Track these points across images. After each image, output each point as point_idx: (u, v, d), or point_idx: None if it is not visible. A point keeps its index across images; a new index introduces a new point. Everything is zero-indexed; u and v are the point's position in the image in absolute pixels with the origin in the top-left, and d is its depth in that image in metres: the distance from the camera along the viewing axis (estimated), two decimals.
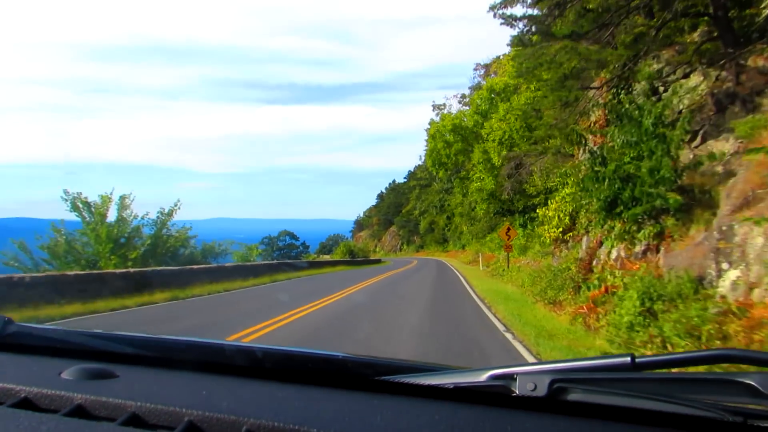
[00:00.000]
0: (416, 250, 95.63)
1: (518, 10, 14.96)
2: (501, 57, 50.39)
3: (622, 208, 11.08)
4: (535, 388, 1.13)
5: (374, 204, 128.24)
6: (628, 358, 1.16)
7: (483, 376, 1.21)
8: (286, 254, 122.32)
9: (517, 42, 15.44)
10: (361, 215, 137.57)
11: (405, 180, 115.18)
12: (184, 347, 1.60)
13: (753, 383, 1.03)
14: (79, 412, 1.11)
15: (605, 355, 1.43)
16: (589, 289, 12.09)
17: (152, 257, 24.41)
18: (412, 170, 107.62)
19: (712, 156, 10.05)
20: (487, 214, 41.90)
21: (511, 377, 1.18)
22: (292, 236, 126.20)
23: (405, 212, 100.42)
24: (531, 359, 7.87)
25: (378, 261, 66.30)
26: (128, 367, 1.40)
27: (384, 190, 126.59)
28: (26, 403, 1.15)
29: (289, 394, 1.26)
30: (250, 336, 9.33)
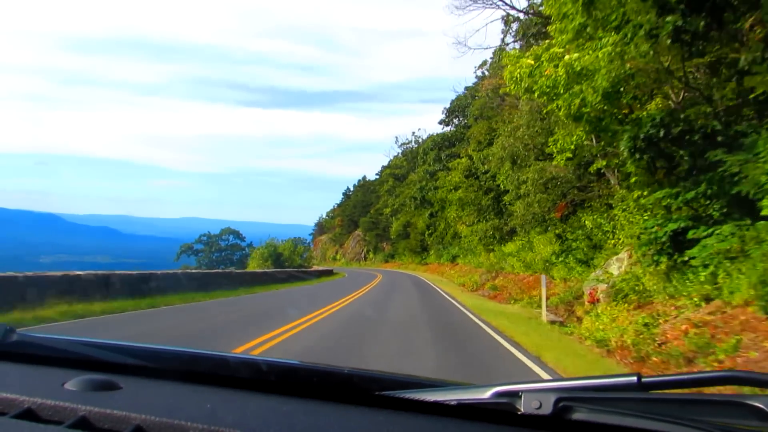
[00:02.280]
0: (385, 259, 74.13)
1: None
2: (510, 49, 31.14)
3: None
4: (540, 406, 1.10)
5: (339, 203, 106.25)
6: (635, 378, 1.14)
7: (487, 393, 1.18)
8: (226, 257, 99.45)
9: None
10: (324, 216, 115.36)
11: (377, 176, 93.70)
12: (188, 359, 1.58)
13: (761, 405, 1.03)
14: (83, 424, 1.10)
15: (612, 374, 1.26)
16: None
17: None
18: (386, 165, 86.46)
19: None
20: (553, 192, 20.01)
21: (516, 395, 1.14)
22: (237, 235, 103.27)
23: (374, 211, 78.92)
24: None
25: (324, 274, 44.41)
26: (132, 378, 1.38)
27: (351, 187, 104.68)
28: (29, 414, 1.14)
29: (294, 408, 1.26)
30: None
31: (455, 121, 53.20)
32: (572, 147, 12.07)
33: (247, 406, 1.25)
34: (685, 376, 1.15)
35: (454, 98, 52.96)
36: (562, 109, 11.82)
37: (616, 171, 14.76)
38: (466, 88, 50.36)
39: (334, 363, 2.65)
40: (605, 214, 16.52)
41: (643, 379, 1.13)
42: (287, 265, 43.79)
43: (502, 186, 26.99)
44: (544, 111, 13.30)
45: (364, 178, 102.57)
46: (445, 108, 53.92)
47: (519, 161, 19.94)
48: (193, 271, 37.68)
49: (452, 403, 1.19)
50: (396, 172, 68.65)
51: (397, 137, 68.76)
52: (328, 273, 45.36)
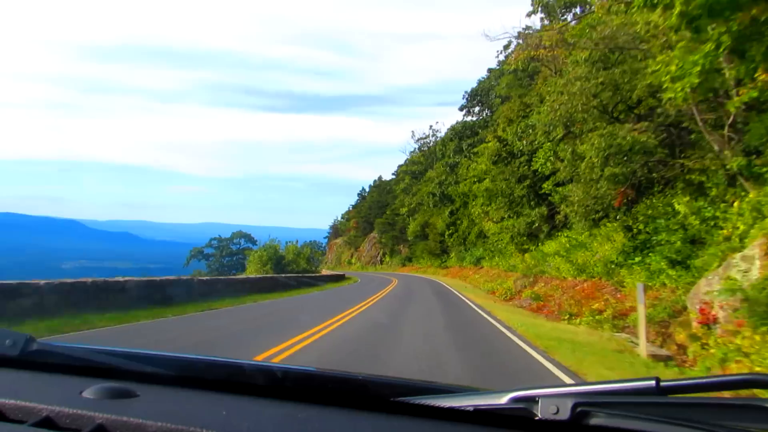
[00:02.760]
0: (402, 263, 69.19)
1: None
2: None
3: None
4: (558, 411, 1.10)
5: (354, 204, 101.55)
6: (653, 382, 1.12)
7: (504, 399, 1.17)
8: (238, 261, 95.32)
9: None
10: (339, 219, 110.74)
11: (394, 176, 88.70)
12: (204, 366, 1.58)
13: None
14: (101, 431, 1.12)
15: (629, 379, 1.25)
16: None
17: None
18: (402, 163, 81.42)
19: None
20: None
21: (533, 400, 1.14)
22: (249, 239, 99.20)
23: (389, 212, 73.97)
24: None
25: (332, 279, 39.79)
26: (148, 386, 1.38)
27: (367, 188, 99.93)
28: (48, 422, 1.15)
29: (310, 415, 1.26)
30: None
31: (476, 109, 48.08)
32: (697, 69, 7.04)
33: (263, 413, 1.28)
34: (705, 380, 1.15)
35: (475, 84, 47.88)
36: (678, 7, 6.86)
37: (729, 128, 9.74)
38: (490, 70, 45.39)
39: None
40: (709, 195, 11.46)
41: (662, 383, 1.11)
42: (290, 269, 39.10)
43: (541, 170, 21.94)
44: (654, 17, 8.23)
45: (379, 178, 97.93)
46: (465, 92, 48.85)
47: (574, 128, 14.80)
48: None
49: (468, 408, 1.19)
50: (413, 169, 63.70)
51: (413, 132, 64.26)
52: (337, 278, 40.61)
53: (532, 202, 23.83)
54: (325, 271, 53.66)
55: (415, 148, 62.98)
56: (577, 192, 14.61)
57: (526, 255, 24.44)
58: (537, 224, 23.78)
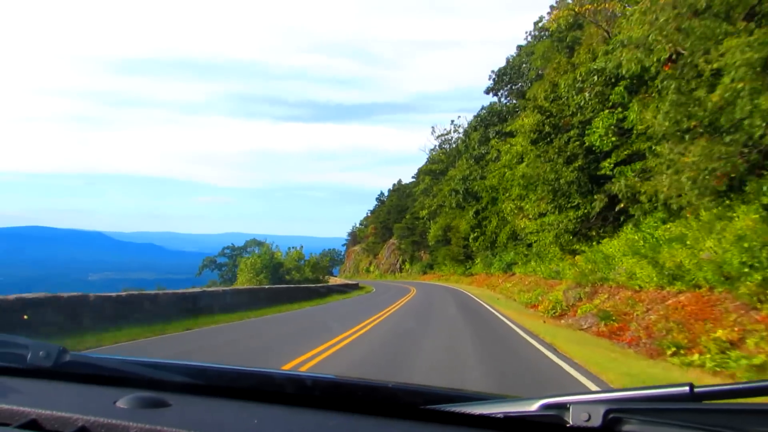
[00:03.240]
0: (422, 270, 63.68)
1: None
2: None
3: None
4: (590, 418, 1.07)
5: (372, 209, 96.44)
6: (687, 388, 1.09)
7: (534, 406, 1.16)
8: None
9: None
10: (357, 225, 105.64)
11: (413, 179, 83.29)
12: (235, 375, 1.59)
13: None
14: None
15: (662, 385, 1.23)
16: None
17: None
18: (422, 165, 75.98)
19: None
20: None
21: (564, 407, 1.13)
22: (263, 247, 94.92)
23: (409, 216, 68.57)
24: None
25: (340, 290, 34.58)
26: (180, 395, 1.40)
27: (386, 193, 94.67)
28: None
29: (340, 423, 1.27)
30: None
31: (504, 91, 42.32)
32: None
33: (293, 422, 1.28)
34: (741, 386, 1.12)
35: (503, 64, 42.06)
36: None
37: None
38: (519, 47, 39.68)
39: None
40: None
41: (696, 389, 1.08)
42: (290, 278, 34.07)
43: (598, 145, 16.41)
44: None
45: (399, 182, 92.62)
46: (492, 72, 42.95)
47: (688, 43, 9.20)
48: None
49: (498, 416, 1.18)
50: (433, 169, 58.29)
51: (433, 128, 58.16)
52: (345, 289, 35.30)
53: (584, 189, 18.23)
54: (336, 280, 48.53)
55: (435, 146, 57.83)
56: (694, 150, 9.10)
57: (578, 258, 18.81)
58: (593, 216, 18.11)
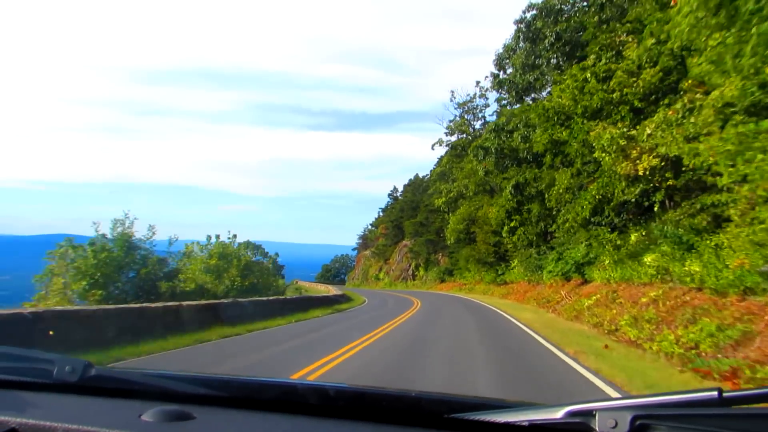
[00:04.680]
0: (440, 277, 49.04)
1: None
2: None
3: None
4: (616, 425, 1.05)
5: (384, 207, 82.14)
6: (716, 393, 1.07)
7: (560, 413, 1.14)
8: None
9: None
10: (368, 227, 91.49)
11: (431, 171, 68.63)
12: (258, 387, 1.59)
13: None
14: None
15: (690, 390, 1.20)
16: None
17: None
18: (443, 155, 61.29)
19: None
20: None
21: (589, 413, 1.11)
22: (260, 252, 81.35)
23: (423, 209, 54.25)
24: None
25: (302, 307, 20.13)
26: (205, 408, 1.39)
27: (401, 188, 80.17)
28: None
29: None
30: None
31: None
32: None
33: None
34: None
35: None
36: None
37: None
38: None
39: None
40: None
41: (725, 394, 1.06)
42: (168, 287, 20.12)
43: None
44: None
45: (415, 176, 78.05)
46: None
47: None
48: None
49: (524, 423, 1.16)
50: (453, 144, 43.58)
51: (453, 92, 43.20)
52: (308, 305, 21.42)
53: None
54: (320, 288, 34.61)
55: (455, 116, 43.60)
56: None
57: None
58: None
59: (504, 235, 31.86)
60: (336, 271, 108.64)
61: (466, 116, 43.25)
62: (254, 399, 1.45)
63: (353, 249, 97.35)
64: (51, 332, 7.82)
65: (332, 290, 39.16)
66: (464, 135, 42.81)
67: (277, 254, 79.09)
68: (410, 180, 78.28)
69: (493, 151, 28.35)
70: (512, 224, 29.37)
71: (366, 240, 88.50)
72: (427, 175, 68.77)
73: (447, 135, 43.54)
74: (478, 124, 43.38)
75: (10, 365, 1.55)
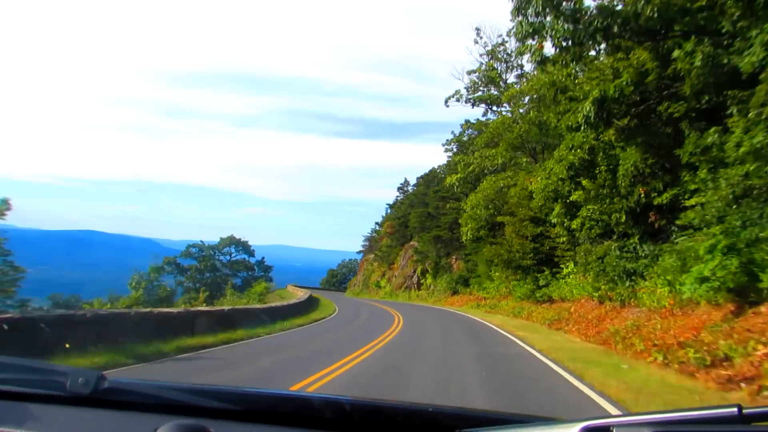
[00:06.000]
0: (451, 288, 35.79)
1: None
2: None
3: None
4: None
5: (391, 203, 69.14)
6: (735, 409, 1.03)
7: (575, 429, 1.10)
8: (221, 278, 64.84)
9: None
10: (376, 227, 78.57)
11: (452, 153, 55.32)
12: (273, 401, 1.56)
13: None
14: None
15: (709, 406, 1.17)
16: None
17: None
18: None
19: None
20: None
21: (606, 430, 1.08)
22: (245, 248, 69.01)
23: (433, 194, 41.46)
24: None
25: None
26: (220, 422, 1.36)
27: (412, 181, 67.02)
28: None
29: None
30: None
31: None
32: None
33: None
34: None
35: None
36: None
37: None
38: None
39: None
40: None
41: (745, 411, 1.02)
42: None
43: None
44: None
45: (431, 170, 64.68)
46: None
47: None
48: None
49: None
50: (480, 99, 30.39)
51: (478, 30, 29.90)
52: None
53: None
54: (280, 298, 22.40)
55: (481, 64, 30.47)
56: None
57: None
58: None
59: (554, 220, 18.79)
60: (342, 276, 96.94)
61: (495, 65, 30.23)
62: (269, 413, 1.42)
63: (357, 252, 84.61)
64: None
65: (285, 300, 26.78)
66: (489, 89, 29.76)
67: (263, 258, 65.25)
68: (424, 174, 65.14)
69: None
70: (575, 196, 16.31)
71: (372, 243, 75.61)
72: (443, 165, 55.61)
73: (468, 91, 30.58)
74: (512, 77, 30.39)
75: (23, 377, 1.50)
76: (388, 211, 70.59)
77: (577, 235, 17.94)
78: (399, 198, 65.42)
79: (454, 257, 38.52)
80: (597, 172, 15.53)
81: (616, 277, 14.82)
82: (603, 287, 15.42)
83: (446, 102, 29.60)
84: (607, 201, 15.16)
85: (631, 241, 14.85)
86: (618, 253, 15.11)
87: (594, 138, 14.60)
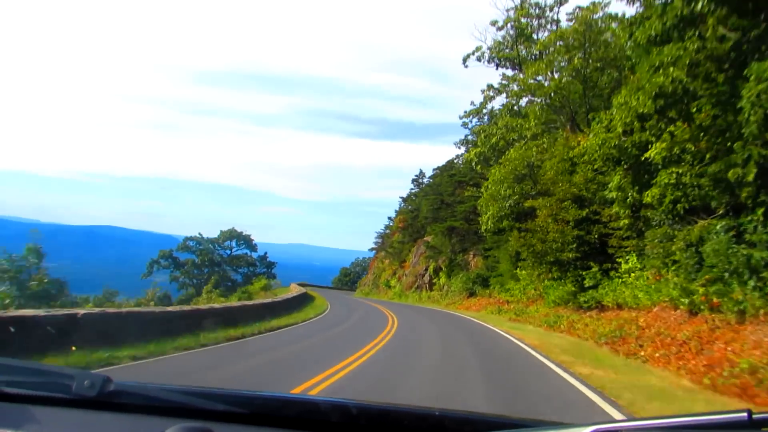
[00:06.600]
0: (467, 288, 30.18)
1: None
2: None
3: None
4: None
5: (405, 197, 63.44)
6: (745, 414, 1.02)
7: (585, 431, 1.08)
8: (222, 275, 59.96)
9: None
10: (389, 223, 73.05)
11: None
12: (279, 404, 1.53)
13: None
14: None
15: (718, 411, 1.14)
16: None
17: None
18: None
19: None
20: None
21: None
22: (247, 242, 64.12)
23: (447, 177, 35.94)
24: None
25: None
26: (226, 425, 1.35)
27: (427, 168, 61.23)
28: None
29: None
30: None
31: None
32: None
33: None
34: None
35: None
36: None
37: None
38: None
39: None
40: None
41: (755, 416, 1.00)
42: None
43: None
44: None
45: (449, 161, 58.58)
46: None
47: None
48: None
49: None
50: (499, 57, 24.59)
51: None
52: None
53: None
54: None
55: (511, 8, 24.32)
56: None
57: None
58: None
59: (611, 195, 13.12)
60: (356, 275, 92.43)
61: (525, 19, 24.50)
62: (275, 416, 1.40)
63: (369, 250, 79.28)
64: None
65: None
66: (517, 49, 24.03)
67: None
68: (441, 165, 59.20)
69: None
70: (655, 150, 10.60)
71: (384, 239, 70.13)
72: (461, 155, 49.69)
73: (490, 52, 24.83)
74: (543, 35, 24.64)
75: (29, 380, 1.48)
76: (402, 205, 65.00)
77: (649, 214, 12.26)
78: (413, 191, 59.75)
79: (471, 253, 32.81)
80: (694, 110, 9.85)
81: (727, 274, 9.19)
82: (701, 290, 9.78)
83: (464, 61, 23.95)
84: (713, 152, 9.48)
85: (755, 216, 9.18)
86: (727, 236, 9.46)
87: (698, 48, 8.92)
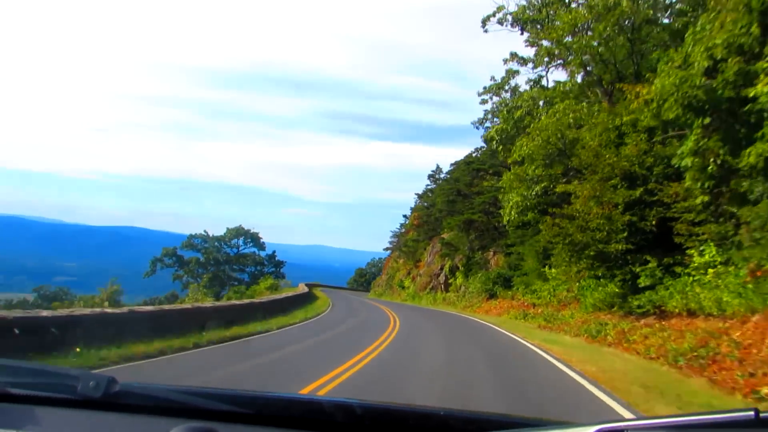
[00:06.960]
0: (487, 290, 26.78)
1: None
2: None
3: None
4: None
5: (420, 193, 59.78)
6: (752, 413, 1.00)
7: (590, 431, 1.09)
8: (227, 275, 57.18)
9: None
10: (404, 221, 69.56)
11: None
12: (284, 404, 1.53)
13: None
14: None
15: (725, 410, 1.11)
16: None
17: None
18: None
19: None
20: None
21: None
22: (255, 241, 61.29)
23: (464, 165, 32.51)
24: None
25: None
26: (231, 425, 1.35)
27: (446, 167, 57.51)
28: None
29: None
30: None
31: None
32: None
33: None
34: None
35: None
36: None
37: None
38: None
39: None
40: None
41: (762, 414, 0.99)
42: None
43: None
44: None
45: (468, 155, 54.65)
46: None
47: None
48: None
49: None
50: (524, 18, 21.19)
51: None
52: None
53: None
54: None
55: None
56: None
57: None
58: None
59: (686, 161, 9.60)
60: (371, 276, 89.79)
61: None
62: (280, 416, 1.39)
63: (384, 249, 75.91)
64: None
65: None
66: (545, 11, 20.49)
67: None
68: (458, 160, 55.40)
69: None
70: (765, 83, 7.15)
71: (399, 238, 66.70)
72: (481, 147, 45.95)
73: (513, 15, 21.30)
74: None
75: (35, 381, 1.48)
76: (417, 201, 61.49)
77: (745, 185, 8.73)
78: (429, 187, 56.18)
79: (491, 250, 29.27)
80: None
81: None
82: None
83: (483, 23, 20.49)
84: None
85: None
86: None
87: None
